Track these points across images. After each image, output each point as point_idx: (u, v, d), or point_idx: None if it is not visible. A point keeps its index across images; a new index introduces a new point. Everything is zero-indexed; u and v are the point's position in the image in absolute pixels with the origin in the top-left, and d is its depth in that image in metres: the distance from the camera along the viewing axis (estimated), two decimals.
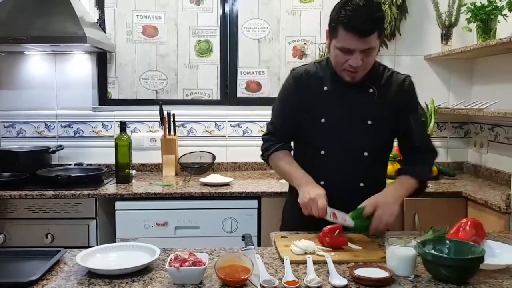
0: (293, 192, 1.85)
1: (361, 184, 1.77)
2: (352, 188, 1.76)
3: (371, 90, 1.75)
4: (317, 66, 1.82)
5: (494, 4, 2.61)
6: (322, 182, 1.74)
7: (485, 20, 2.63)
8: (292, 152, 1.87)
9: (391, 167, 2.84)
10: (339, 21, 1.61)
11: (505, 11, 2.54)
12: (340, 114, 1.75)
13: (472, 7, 2.69)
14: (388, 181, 2.69)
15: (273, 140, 1.85)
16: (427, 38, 3.15)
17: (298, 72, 1.82)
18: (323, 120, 1.75)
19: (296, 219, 1.81)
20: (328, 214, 1.61)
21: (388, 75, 1.79)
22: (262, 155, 1.90)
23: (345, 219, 1.60)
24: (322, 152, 1.76)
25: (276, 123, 1.86)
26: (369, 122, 1.74)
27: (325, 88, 1.77)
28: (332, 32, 1.66)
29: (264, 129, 1.96)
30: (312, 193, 1.62)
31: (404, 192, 1.71)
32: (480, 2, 2.69)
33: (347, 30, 1.59)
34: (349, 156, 1.76)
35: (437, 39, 3.07)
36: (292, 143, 1.88)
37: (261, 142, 1.91)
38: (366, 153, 1.75)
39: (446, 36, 3.01)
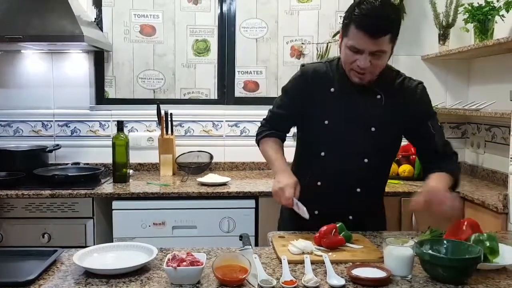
0: None
1: (358, 190, 1.75)
2: (348, 192, 1.74)
3: (378, 96, 1.71)
4: (328, 66, 1.78)
5: (492, 4, 2.61)
6: (319, 183, 1.75)
7: (482, 20, 2.64)
8: (283, 142, 1.87)
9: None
10: (351, 19, 1.58)
11: (503, 12, 2.55)
12: (344, 118, 1.71)
13: (470, 8, 2.70)
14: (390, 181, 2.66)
15: (267, 127, 1.87)
16: (425, 39, 3.15)
17: (308, 69, 1.80)
18: (326, 122, 1.72)
19: (292, 218, 1.80)
20: (294, 204, 1.63)
21: (399, 81, 1.74)
22: (255, 140, 1.92)
23: (304, 212, 1.62)
24: (322, 153, 1.75)
25: (275, 113, 1.86)
26: (373, 129, 1.70)
27: (332, 89, 1.73)
28: (344, 30, 1.64)
29: None
30: (282, 183, 1.63)
31: (446, 183, 1.60)
32: (478, 3, 2.70)
33: (358, 28, 1.56)
34: (348, 161, 1.73)
35: (434, 39, 3.08)
36: (285, 134, 1.90)
37: None
38: (366, 160, 1.72)
39: (443, 37, 3.02)
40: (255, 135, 1.93)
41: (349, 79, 1.70)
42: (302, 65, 1.84)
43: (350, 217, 1.73)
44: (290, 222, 1.81)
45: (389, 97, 1.71)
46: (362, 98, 1.71)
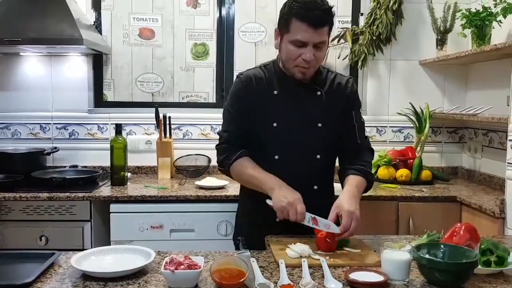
0: (245, 197, 1.87)
1: (315, 187, 1.78)
2: (307, 191, 1.73)
3: (319, 93, 1.77)
4: (264, 70, 1.81)
5: (489, 10, 2.63)
6: None
7: (479, 26, 2.65)
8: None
9: (386, 172, 2.87)
10: (292, 13, 1.62)
11: (500, 17, 2.56)
12: (292, 118, 1.75)
13: (467, 13, 2.71)
14: (387, 185, 2.66)
15: (230, 149, 1.79)
16: (422, 44, 3.17)
17: (247, 76, 1.80)
18: (275, 124, 1.74)
19: (248, 224, 1.85)
20: (306, 219, 1.60)
21: (332, 78, 1.82)
22: (220, 166, 1.83)
23: (328, 225, 1.56)
24: (276, 157, 1.76)
25: (230, 131, 1.81)
26: (319, 124, 1.76)
27: (275, 92, 1.76)
28: (283, 27, 1.67)
29: None
30: (290, 197, 1.61)
31: (359, 194, 1.70)
32: (475, 8, 2.71)
33: (301, 21, 1.60)
34: (302, 160, 1.76)
35: (432, 44, 3.09)
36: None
37: None
38: (318, 156, 1.77)
39: (441, 42, 3.03)
40: (217, 162, 1.83)
41: (289, 80, 1.75)
42: (240, 74, 1.84)
43: None
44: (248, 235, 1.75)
45: (327, 93, 1.78)
46: (305, 96, 1.76)
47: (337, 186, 1.88)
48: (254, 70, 1.83)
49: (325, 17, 1.63)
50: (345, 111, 1.80)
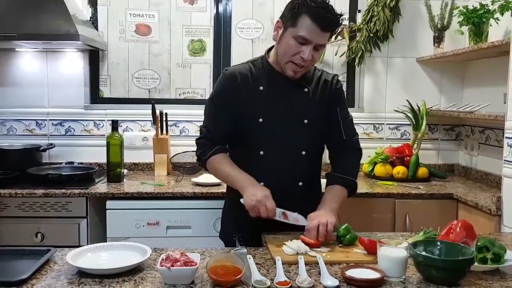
0: (231, 195, 1.83)
1: (300, 183, 1.79)
2: (292, 188, 1.76)
3: (306, 90, 1.78)
4: (251, 66, 1.81)
5: (486, 7, 2.63)
6: (262, 183, 1.73)
7: (477, 23, 2.65)
8: (228, 154, 1.83)
9: (383, 169, 2.87)
10: (305, 10, 1.61)
11: (497, 15, 2.56)
12: (278, 114, 1.75)
13: (465, 10, 2.71)
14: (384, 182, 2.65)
15: (207, 144, 1.80)
16: (420, 41, 3.17)
17: (232, 72, 1.80)
18: (260, 120, 1.74)
19: (233, 222, 1.84)
20: (277, 215, 1.62)
21: (318, 75, 1.83)
22: (198, 160, 1.85)
23: (297, 219, 1.58)
24: (261, 152, 1.76)
25: (210, 126, 1.81)
26: (306, 121, 1.76)
27: (261, 87, 1.76)
28: (290, 20, 1.65)
29: None
30: (259, 195, 1.62)
31: (337, 205, 1.73)
32: (472, 6, 2.71)
33: (312, 20, 1.60)
34: (287, 156, 1.76)
35: (429, 41, 3.09)
36: (227, 145, 1.84)
37: None
38: (303, 152, 1.77)
39: (438, 39, 3.03)
40: (196, 156, 1.84)
41: (277, 76, 1.75)
42: (225, 70, 1.84)
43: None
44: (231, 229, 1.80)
45: (313, 90, 1.79)
46: (292, 92, 1.77)
47: (324, 182, 1.89)
48: (240, 66, 1.83)
49: (334, 23, 1.67)
50: (330, 108, 1.82)
